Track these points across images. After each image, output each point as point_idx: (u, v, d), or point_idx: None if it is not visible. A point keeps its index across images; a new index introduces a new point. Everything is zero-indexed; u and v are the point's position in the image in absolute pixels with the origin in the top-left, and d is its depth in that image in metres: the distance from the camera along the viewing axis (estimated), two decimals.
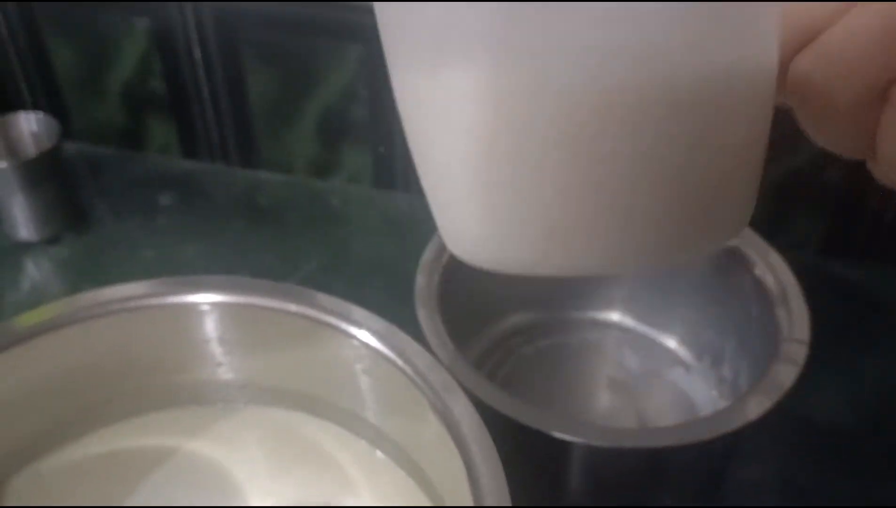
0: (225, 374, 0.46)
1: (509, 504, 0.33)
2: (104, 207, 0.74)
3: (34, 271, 0.69)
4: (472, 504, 0.33)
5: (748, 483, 0.52)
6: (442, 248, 0.53)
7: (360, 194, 0.74)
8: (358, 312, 0.41)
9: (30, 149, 0.69)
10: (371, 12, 0.62)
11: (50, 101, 0.79)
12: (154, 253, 0.70)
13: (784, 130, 0.22)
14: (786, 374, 0.44)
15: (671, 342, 0.58)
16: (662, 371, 0.57)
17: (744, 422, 0.42)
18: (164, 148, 0.79)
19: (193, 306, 0.43)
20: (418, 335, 0.43)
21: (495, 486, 0.33)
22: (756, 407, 0.42)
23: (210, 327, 0.44)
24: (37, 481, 0.45)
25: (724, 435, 0.42)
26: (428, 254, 0.52)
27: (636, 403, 0.56)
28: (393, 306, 0.44)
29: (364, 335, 0.40)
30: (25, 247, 0.70)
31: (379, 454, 0.44)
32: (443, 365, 0.39)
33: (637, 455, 0.42)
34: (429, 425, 0.38)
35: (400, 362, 0.39)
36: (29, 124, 0.69)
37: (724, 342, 0.55)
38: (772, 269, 0.50)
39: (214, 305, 0.43)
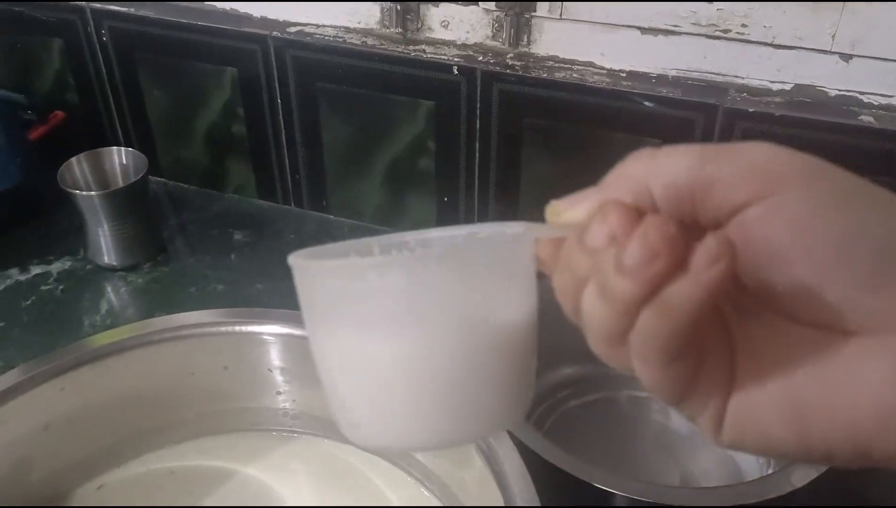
0: (283, 403, 0.48)
1: None
2: (182, 240, 0.79)
3: (112, 295, 0.73)
4: None
5: None
6: None
7: None
8: None
9: (118, 181, 0.74)
10: (442, 70, 0.65)
11: (140, 139, 0.84)
12: (225, 287, 0.73)
13: None
14: None
15: None
16: None
17: (789, 490, 0.42)
18: (241, 189, 0.83)
19: (258, 336, 0.46)
20: None
21: None
22: (802, 476, 0.43)
23: (273, 356, 0.46)
24: (99, 494, 0.48)
25: (767, 501, 0.42)
26: None
27: (681, 463, 0.56)
28: None
29: None
30: (106, 273, 0.74)
31: (424, 491, 0.46)
32: None
33: None
34: (474, 466, 0.39)
35: None
36: (120, 158, 0.74)
37: None
38: None
39: (278, 336, 0.45)
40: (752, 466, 0.54)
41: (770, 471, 0.53)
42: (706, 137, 0.62)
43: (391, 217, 0.78)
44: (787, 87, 0.61)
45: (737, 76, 0.62)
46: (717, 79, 0.62)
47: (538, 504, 0.35)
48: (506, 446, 0.38)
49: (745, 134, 0.61)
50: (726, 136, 0.61)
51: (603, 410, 0.59)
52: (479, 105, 0.67)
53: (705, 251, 0.20)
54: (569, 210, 0.23)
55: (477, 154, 0.70)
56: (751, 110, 0.60)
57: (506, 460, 0.37)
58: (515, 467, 0.37)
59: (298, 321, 0.45)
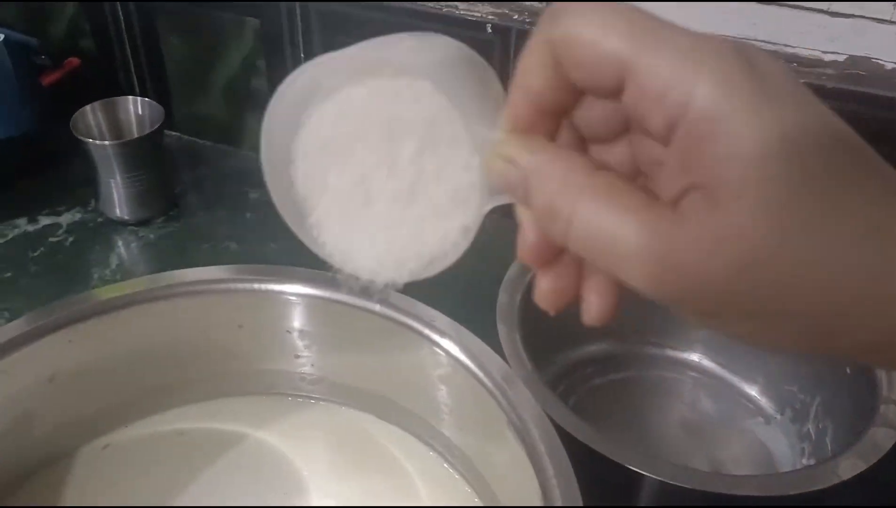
0: (301, 367, 0.46)
1: None
2: (195, 196, 0.76)
3: (122, 249, 0.71)
4: None
5: None
6: (526, 267, 0.52)
7: None
8: (442, 319, 0.41)
9: (133, 132, 0.71)
10: (475, 28, 0.61)
11: (156, 90, 0.81)
12: (238, 246, 0.71)
13: None
14: (884, 437, 0.41)
15: (751, 391, 0.56)
16: (740, 419, 0.55)
17: (835, 482, 0.40)
18: (259, 146, 0.80)
19: (278, 295, 0.44)
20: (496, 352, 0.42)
21: None
22: (849, 468, 0.40)
23: (293, 318, 0.44)
24: (104, 454, 0.46)
25: (810, 493, 0.40)
26: (512, 272, 0.51)
27: (709, 448, 0.53)
28: (469, 323, 0.43)
29: (447, 344, 0.40)
30: (117, 226, 0.72)
31: (447, 467, 0.43)
32: (526, 385, 0.38)
33: (716, 501, 0.40)
34: (505, 442, 0.37)
35: (481, 375, 0.38)
36: (135, 108, 0.71)
37: (811, 398, 0.52)
38: None
39: (300, 296, 0.43)
40: (785, 455, 0.52)
41: (805, 461, 0.51)
42: None
43: None
44: (841, 58, 0.58)
45: (787, 45, 0.59)
46: (766, 47, 0.59)
47: (576, 487, 0.33)
48: (541, 423, 0.36)
49: None
50: None
51: (628, 389, 0.57)
52: (511, 66, 0.64)
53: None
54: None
55: None
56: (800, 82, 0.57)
57: (541, 439, 0.35)
58: (551, 445, 0.35)
59: (322, 282, 0.43)
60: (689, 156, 0.19)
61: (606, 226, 0.20)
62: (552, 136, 0.23)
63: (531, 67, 0.22)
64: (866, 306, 0.19)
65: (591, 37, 0.20)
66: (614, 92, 0.21)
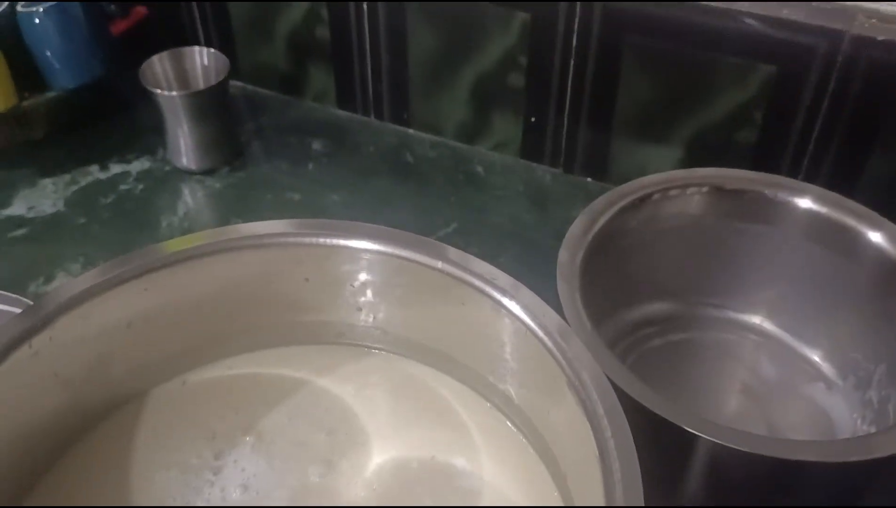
0: (364, 320, 0.47)
1: (641, 493, 0.32)
2: (259, 147, 0.77)
3: (189, 199, 0.73)
4: (600, 489, 0.33)
5: None
6: (588, 225, 0.52)
7: (504, 163, 0.74)
8: (504, 278, 0.41)
9: (199, 83, 0.72)
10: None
11: (221, 40, 0.82)
12: (300, 196, 0.72)
13: None
14: None
15: (814, 356, 0.55)
16: (800, 385, 0.54)
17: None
18: (321, 96, 0.81)
19: (343, 250, 0.44)
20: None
21: (628, 475, 0.33)
22: None
23: (357, 271, 0.45)
24: (180, 391, 0.48)
25: (871, 461, 0.39)
26: (574, 229, 0.51)
27: (768, 413, 0.53)
28: (525, 280, 0.43)
29: (507, 302, 0.40)
30: (183, 175, 0.74)
31: (505, 420, 0.44)
32: (585, 345, 0.39)
33: (772, 465, 0.40)
34: (563, 400, 0.37)
35: (541, 334, 0.39)
36: (201, 59, 0.72)
37: (875, 366, 0.51)
38: None
39: (364, 251, 0.44)
40: (846, 422, 0.51)
41: (866, 429, 0.50)
42: (828, 66, 0.57)
43: (474, 135, 0.75)
44: None
45: None
46: (846, 2, 0.57)
47: (633, 449, 0.33)
48: (600, 384, 0.36)
49: (871, 65, 0.56)
50: (851, 66, 0.56)
51: (687, 351, 0.57)
52: (577, 19, 0.63)
53: None
54: None
55: (571, 72, 0.66)
56: (880, 39, 0.55)
57: (600, 399, 0.35)
58: (610, 406, 0.35)
59: (386, 237, 0.44)
60: None
61: None
62: None
63: None
64: None
65: None
66: None
